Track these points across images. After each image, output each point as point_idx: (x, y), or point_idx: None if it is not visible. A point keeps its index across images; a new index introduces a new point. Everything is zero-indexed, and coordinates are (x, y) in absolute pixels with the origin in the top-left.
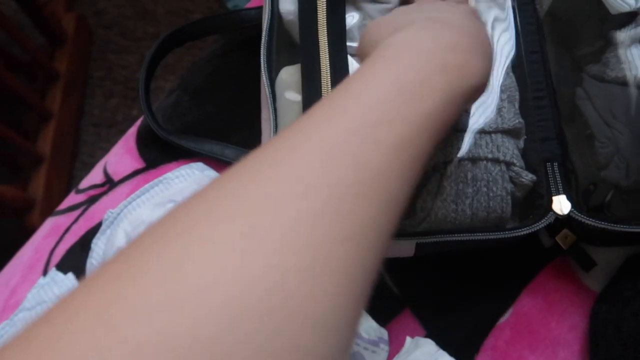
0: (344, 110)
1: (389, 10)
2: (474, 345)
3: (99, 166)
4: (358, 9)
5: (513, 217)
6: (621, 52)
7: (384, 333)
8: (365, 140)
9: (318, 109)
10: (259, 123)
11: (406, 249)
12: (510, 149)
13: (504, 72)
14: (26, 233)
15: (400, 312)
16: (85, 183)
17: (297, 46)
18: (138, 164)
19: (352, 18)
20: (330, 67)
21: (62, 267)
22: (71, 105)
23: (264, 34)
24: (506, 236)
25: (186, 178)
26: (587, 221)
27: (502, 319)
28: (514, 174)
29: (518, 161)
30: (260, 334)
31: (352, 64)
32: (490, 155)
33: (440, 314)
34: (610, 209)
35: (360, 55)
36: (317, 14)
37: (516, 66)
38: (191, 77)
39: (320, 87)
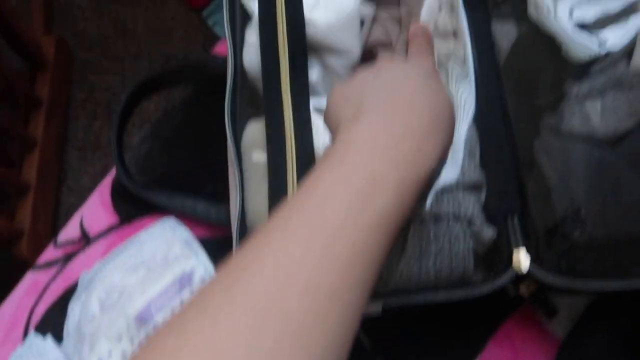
0: (299, 230)
1: (352, 65)
2: None
3: (76, 218)
4: (321, 60)
5: (477, 270)
6: (575, 105)
7: None
8: (320, 260)
9: (274, 227)
10: (227, 174)
11: (372, 309)
12: (471, 204)
13: (466, 127)
14: (15, 263)
15: None
16: (62, 236)
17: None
18: (112, 219)
19: (314, 73)
20: (294, 124)
21: (42, 328)
22: (54, 130)
23: (227, 91)
24: (469, 296)
25: (158, 239)
26: (544, 277)
27: None
28: (474, 230)
29: (479, 217)
30: None
31: (315, 120)
32: (451, 213)
33: None
34: (570, 264)
35: (327, 126)
36: (280, 71)
37: (477, 116)
38: (163, 126)
39: (285, 146)
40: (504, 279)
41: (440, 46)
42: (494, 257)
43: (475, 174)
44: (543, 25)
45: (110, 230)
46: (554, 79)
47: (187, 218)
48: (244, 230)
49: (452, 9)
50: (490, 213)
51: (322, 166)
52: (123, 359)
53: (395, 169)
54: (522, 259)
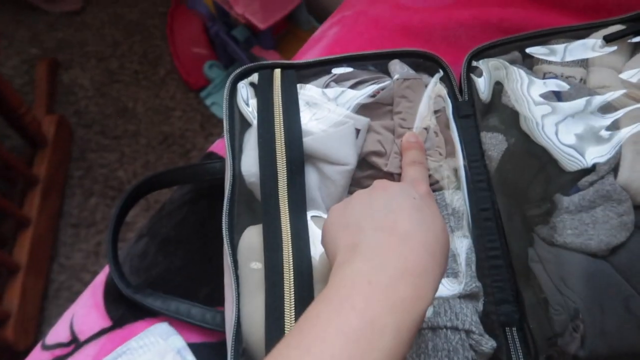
0: None
1: (349, 173)
2: None
3: (65, 319)
4: (317, 169)
5: None
6: (567, 217)
7: None
8: None
9: None
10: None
11: None
12: (468, 315)
13: (463, 238)
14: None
15: None
16: (51, 338)
17: (259, 206)
18: (104, 322)
19: (311, 181)
20: (292, 234)
21: None
22: (50, 208)
23: (225, 199)
24: None
25: (150, 348)
26: None
27: None
28: (474, 342)
29: (477, 328)
30: None
31: (312, 229)
32: (449, 324)
33: None
34: None
35: (324, 249)
36: (277, 180)
37: (471, 226)
38: (160, 224)
39: (282, 255)
40: None
41: (432, 157)
42: None
43: (472, 284)
44: (533, 137)
45: (101, 334)
46: (544, 190)
47: (182, 322)
48: (240, 340)
49: (442, 117)
50: (489, 324)
51: (320, 307)
52: None
53: (392, 313)
54: None
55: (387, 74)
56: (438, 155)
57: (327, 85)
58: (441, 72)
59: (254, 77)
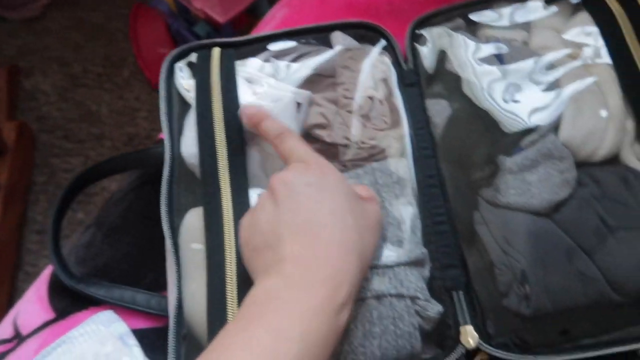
0: None
1: None
2: None
3: (9, 316)
4: (258, 146)
5: (428, 346)
6: (510, 178)
7: None
8: None
9: None
10: None
11: None
12: (413, 281)
13: (407, 205)
14: None
15: None
16: None
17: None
18: (48, 314)
19: (254, 161)
20: (234, 213)
21: None
22: (13, 215)
23: (164, 181)
24: None
25: (91, 336)
26: (494, 353)
27: None
28: (419, 307)
29: (423, 294)
30: None
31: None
32: (393, 291)
33: None
34: (517, 338)
35: (245, 265)
36: (217, 161)
37: (417, 193)
38: (107, 213)
39: (224, 235)
40: (454, 356)
41: (377, 126)
42: (442, 333)
43: (417, 251)
44: (476, 101)
45: (44, 326)
46: (488, 153)
47: (126, 310)
48: (181, 323)
49: (386, 86)
50: (435, 289)
51: (230, 326)
52: None
53: (300, 321)
54: (470, 336)
55: (330, 47)
56: (383, 124)
57: (267, 61)
58: (384, 42)
59: (193, 58)
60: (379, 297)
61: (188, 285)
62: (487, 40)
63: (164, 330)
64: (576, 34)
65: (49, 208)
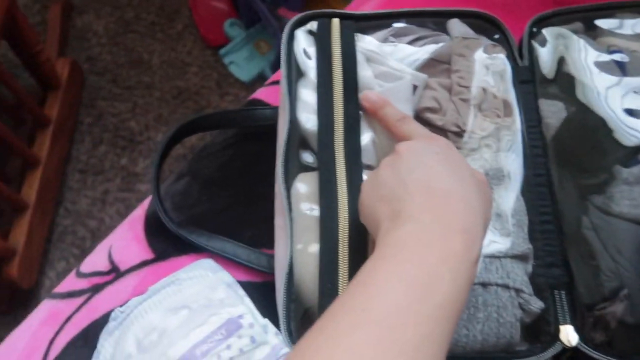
0: (364, 319)
1: None
2: None
3: (102, 249)
4: (371, 122)
5: (521, 340)
6: (625, 188)
7: None
8: (388, 347)
9: (341, 313)
10: (271, 220)
11: None
12: (519, 275)
13: (514, 198)
14: (1, 281)
15: None
16: (87, 267)
17: (313, 153)
18: (146, 254)
19: (366, 137)
20: (347, 183)
21: None
22: (59, 151)
23: (282, 144)
24: None
25: (199, 281)
26: (592, 354)
27: None
28: (523, 300)
29: (527, 288)
30: None
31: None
32: (500, 281)
33: None
34: (616, 343)
35: (365, 225)
36: (334, 133)
37: (524, 189)
38: (202, 165)
39: (337, 203)
40: (550, 352)
41: (489, 119)
42: (541, 327)
43: (524, 246)
44: (592, 107)
45: (143, 265)
46: (602, 161)
47: (225, 260)
48: (292, 281)
49: (502, 80)
50: (537, 285)
51: (376, 263)
52: None
53: (447, 264)
54: (570, 335)
55: (446, 32)
56: (496, 117)
57: (385, 39)
58: (499, 36)
59: (311, 26)
60: (485, 284)
61: (294, 245)
62: (608, 47)
63: (261, 286)
64: None
65: (92, 149)
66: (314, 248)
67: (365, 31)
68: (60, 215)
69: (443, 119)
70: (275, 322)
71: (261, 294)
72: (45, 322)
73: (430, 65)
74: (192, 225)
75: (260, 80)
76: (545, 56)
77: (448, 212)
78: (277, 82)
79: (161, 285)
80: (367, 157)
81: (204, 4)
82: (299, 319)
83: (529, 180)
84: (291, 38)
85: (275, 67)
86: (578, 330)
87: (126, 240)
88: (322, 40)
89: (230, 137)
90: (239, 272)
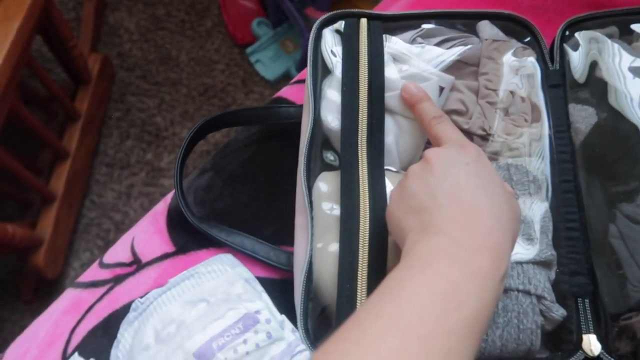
0: (393, 326)
1: None
2: None
3: (125, 241)
4: (395, 122)
5: (541, 348)
6: None
7: None
8: (416, 356)
9: (368, 320)
10: (291, 218)
11: None
12: (541, 281)
13: (542, 205)
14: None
15: None
16: (110, 258)
17: (335, 153)
18: (168, 247)
19: (390, 135)
20: (369, 184)
21: (83, 350)
22: (87, 144)
23: (306, 141)
24: None
25: (218, 275)
26: None
27: None
28: (544, 307)
29: (549, 295)
30: None
31: (388, 184)
32: (521, 287)
33: None
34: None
35: (391, 233)
36: (357, 133)
37: (550, 194)
38: (226, 160)
39: (359, 202)
40: None
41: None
42: (562, 336)
43: (548, 252)
44: (625, 113)
45: (164, 258)
46: (633, 169)
47: (245, 256)
48: (310, 279)
49: (531, 84)
50: (560, 293)
51: (402, 272)
52: None
53: (474, 279)
54: (593, 344)
55: (476, 34)
56: (523, 122)
57: (413, 40)
58: (530, 39)
59: (339, 26)
60: (505, 290)
61: (314, 243)
62: None
63: (279, 283)
64: None
65: (120, 143)
66: (334, 247)
67: (393, 32)
68: (86, 208)
69: (469, 122)
70: (292, 319)
71: (279, 290)
72: (67, 311)
73: (457, 67)
74: (214, 219)
75: (285, 79)
76: (577, 60)
77: (477, 227)
78: (302, 81)
79: (181, 278)
80: (389, 159)
81: (233, 2)
82: (317, 317)
83: (555, 186)
84: (319, 37)
85: (301, 66)
86: (601, 339)
87: (148, 233)
88: (349, 39)
89: (254, 134)
90: (257, 268)
